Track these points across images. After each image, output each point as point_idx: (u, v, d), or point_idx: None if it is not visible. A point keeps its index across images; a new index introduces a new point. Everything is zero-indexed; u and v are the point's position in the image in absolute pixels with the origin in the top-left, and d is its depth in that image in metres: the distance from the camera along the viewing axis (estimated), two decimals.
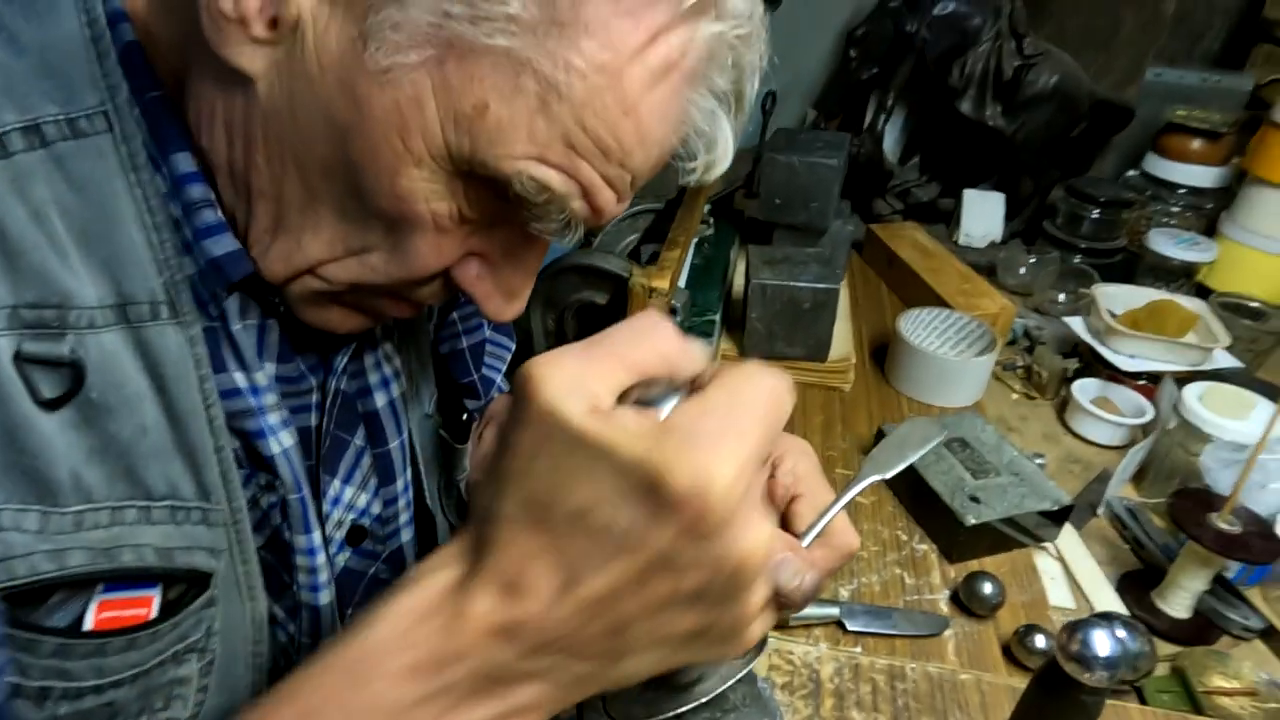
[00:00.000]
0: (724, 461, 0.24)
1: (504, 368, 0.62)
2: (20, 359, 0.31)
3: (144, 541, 0.35)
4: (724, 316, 0.93)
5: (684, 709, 0.37)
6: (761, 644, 0.39)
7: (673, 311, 0.74)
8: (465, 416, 0.56)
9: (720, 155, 0.38)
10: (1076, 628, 0.36)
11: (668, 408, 0.27)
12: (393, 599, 0.28)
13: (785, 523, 0.43)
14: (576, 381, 0.25)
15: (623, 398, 0.27)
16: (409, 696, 0.27)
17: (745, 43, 0.34)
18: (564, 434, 0.24)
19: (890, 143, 1.24)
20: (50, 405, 0.32)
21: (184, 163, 0.36)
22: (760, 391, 0.26)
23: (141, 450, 0.35)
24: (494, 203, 0.34)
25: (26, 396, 0.32)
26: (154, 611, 0.36)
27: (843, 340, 0.91)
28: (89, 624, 0.35)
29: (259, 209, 0.36)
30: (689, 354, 0.28)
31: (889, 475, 0.43)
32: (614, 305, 0.88)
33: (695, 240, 1.01)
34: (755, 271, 0.84)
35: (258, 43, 0.31)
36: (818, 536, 0.39)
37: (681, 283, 0.90)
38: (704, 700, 0.38)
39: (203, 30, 0.31)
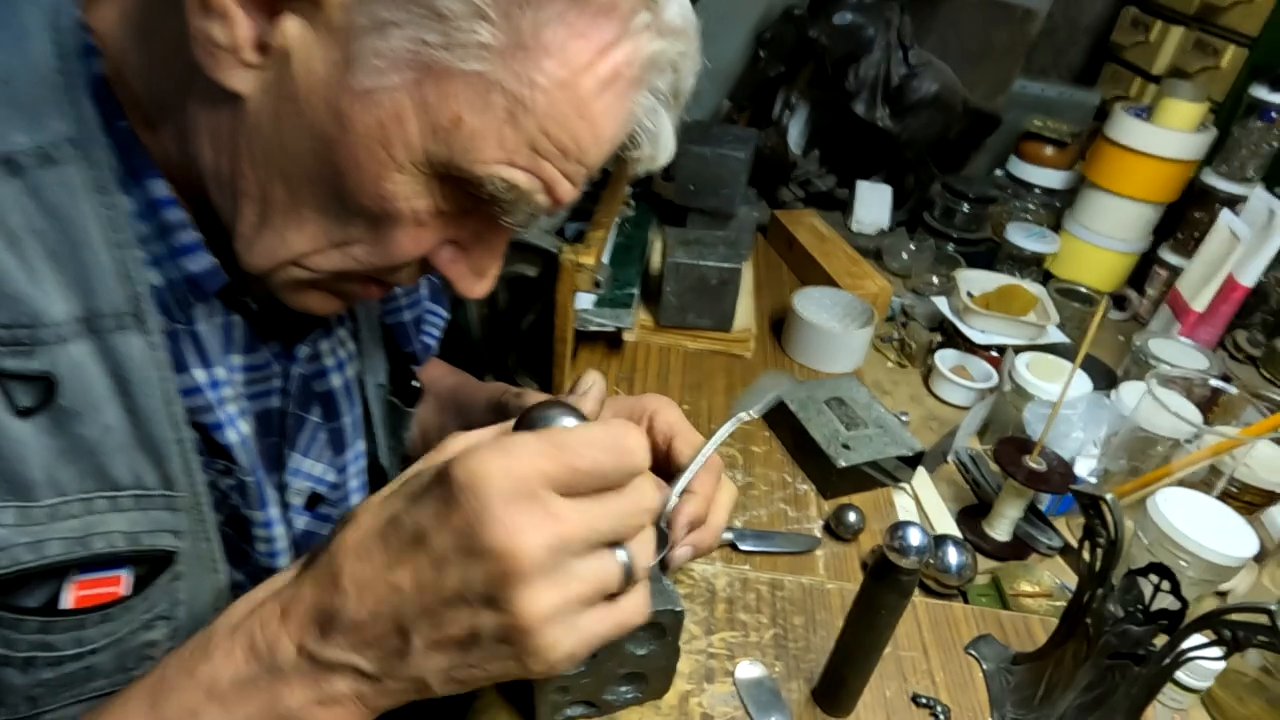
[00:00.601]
0: (495, 460, 0.30)
1: (439, 334, 0.67)
2: None
3: (113, 528, 0.39)
4: (642, 290, 1.03)
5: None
6: (663, 541, 0.51)
7: (596, 284, 0.84)
8: (413, 382, 0.61)
9: (664, 146, 0.42)
10: (897, 528, 0.49)
11: (559, 423, 0.36)
12: (247, 595, 0.34)
13: (668, 460, 0.55)
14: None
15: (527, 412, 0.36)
16: (236, 675, 0.33)
17: (682, 53, 0.38)
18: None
19: (794, 136, 1.37)
20: (24, 413, 0.35)
21: (159, 188, 0.38)
22: (585, 439, 0.32)
23: (108, 447, 0.38)
24: (466, 198, 0.37)
25: (3, 407, 0.34)
26: (125, 589, 0.40)
27: (745, 313, 1.03)
28: (68, 603, 0.38)
29: (245, 209, 0.38)
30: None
31: (753, 414, 0.55)
32: (543, 278, 0.97)
33: (618, 220, 1.11)
34: (671, 251, 0.95)
35: (248, 66, 0.34)
36: (697, 471, 0.51)
37: (605, 259, 1.00)
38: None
39: (188, 56, 0.33)
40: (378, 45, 0.32)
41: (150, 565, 0.41)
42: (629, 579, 0.33)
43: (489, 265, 0.43)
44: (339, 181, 0.36)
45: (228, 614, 0.36)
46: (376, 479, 0.58)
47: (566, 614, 0.31)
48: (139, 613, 0.41)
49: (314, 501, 0.52)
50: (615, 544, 0.33)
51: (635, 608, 0.34)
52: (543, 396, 0.61)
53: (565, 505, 0.31)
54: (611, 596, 0.33)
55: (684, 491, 0.50)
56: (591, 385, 0.46)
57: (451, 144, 0.35)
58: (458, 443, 0.35)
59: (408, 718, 0.66)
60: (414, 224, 0.38)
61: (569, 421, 0.36)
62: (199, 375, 0.42)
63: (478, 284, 0.43)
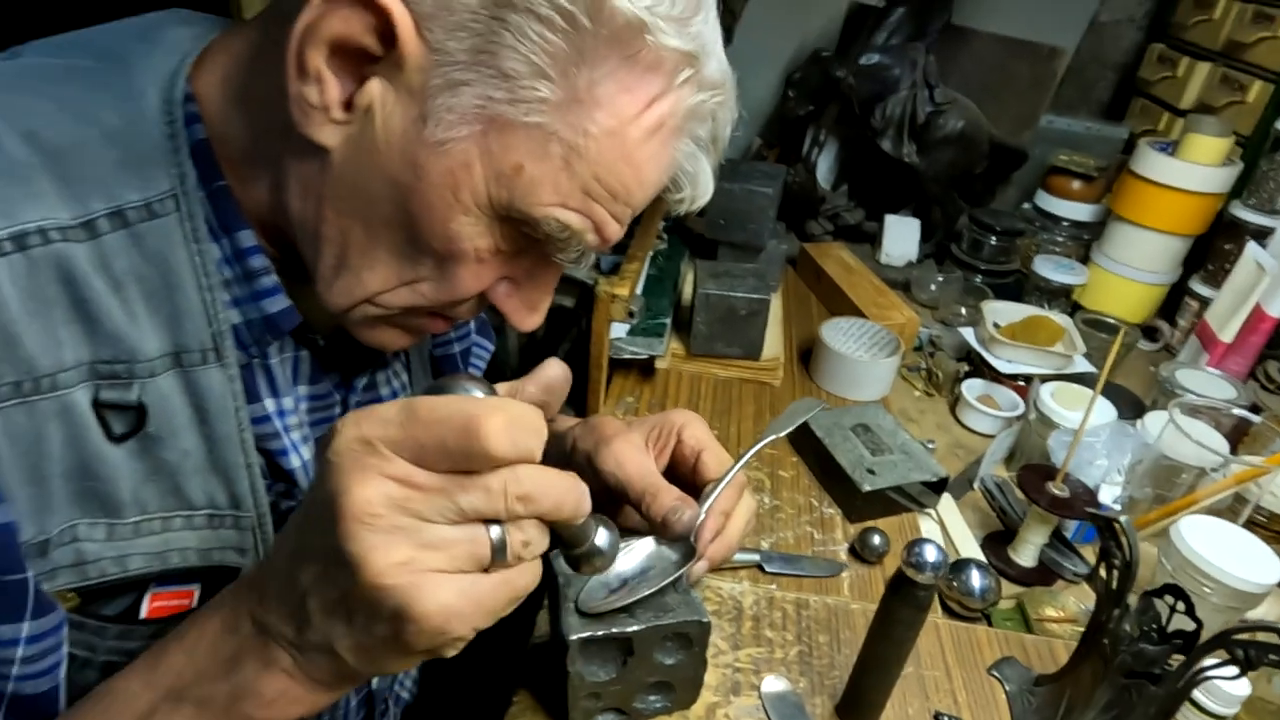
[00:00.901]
0: (349, 430, 0.31)
1: (484, 365, 0.73)
2: (97, 404, 0.38)
3: (188, 545, 0.42)
4: (674, 320, 1.07)
5: (631, 600, 0.51)
6: (690, 554, 0.54)
7: (630, 314, 0.88)
8: None
9: (703, 189, 0.45)
10: (914, 544, 0.51)
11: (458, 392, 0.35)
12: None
13: (695, 473, 0.58)
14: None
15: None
16: (214, 641, 0.36)
17: (720, 102, 0.42)
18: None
19: (823, 171, 1.41)
20: (119, 439, 0.39)
21: (248, 238, 0.42)
22: (445, 416, 0.31)
23: (186, 469, 0.41)
24: (523, 238, 0.41)
25: (100, 434, 0.38)
26: (195, 602, 0.44)
27: (774, 342, 1.07)
28: (144, 613, 0.42)
29: (326, 252, 0.41)
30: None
31: (781, 435, 0.58)
32: (579, 308, 1.02)
33: (651, 253, 1.16)
34: (701, 282, 0.99)
35: (336, 123, 0.37)
36: (729, 481, 0.54)
37: (639, 290, 1.04)
38: (647, 594, 0.52)
39: (283, 115, 0.37)
40: (450, 102, 0.36)
41: (217, 579, 0.44)
42: (499, 556, 0.32)
43: (540, 300, 0.46)
44: (412, 224, 0.39)
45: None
46: None
47: (425, 573, 0.30)
48: None
49: None
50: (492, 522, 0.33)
51: (525, 580, 0.34)
52: (572, 421, 0.64)
53: (410, 469, 0.31)
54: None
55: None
56: (543, 369, 0.43)
57: (513, 189, 0.38)
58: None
59: None
60: (475, 262, 0.41)
61: (475, 393, 0.35)
62: (269, 404, 0.46)
63: (530, 317, 0.46)
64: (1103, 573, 0.56)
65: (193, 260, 0.40)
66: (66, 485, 0.38)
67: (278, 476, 0.48)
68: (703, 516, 0.54)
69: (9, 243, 0.35)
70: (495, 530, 0.33)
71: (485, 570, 0.33)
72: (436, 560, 0.31)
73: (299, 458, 0.48)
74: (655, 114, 0.38)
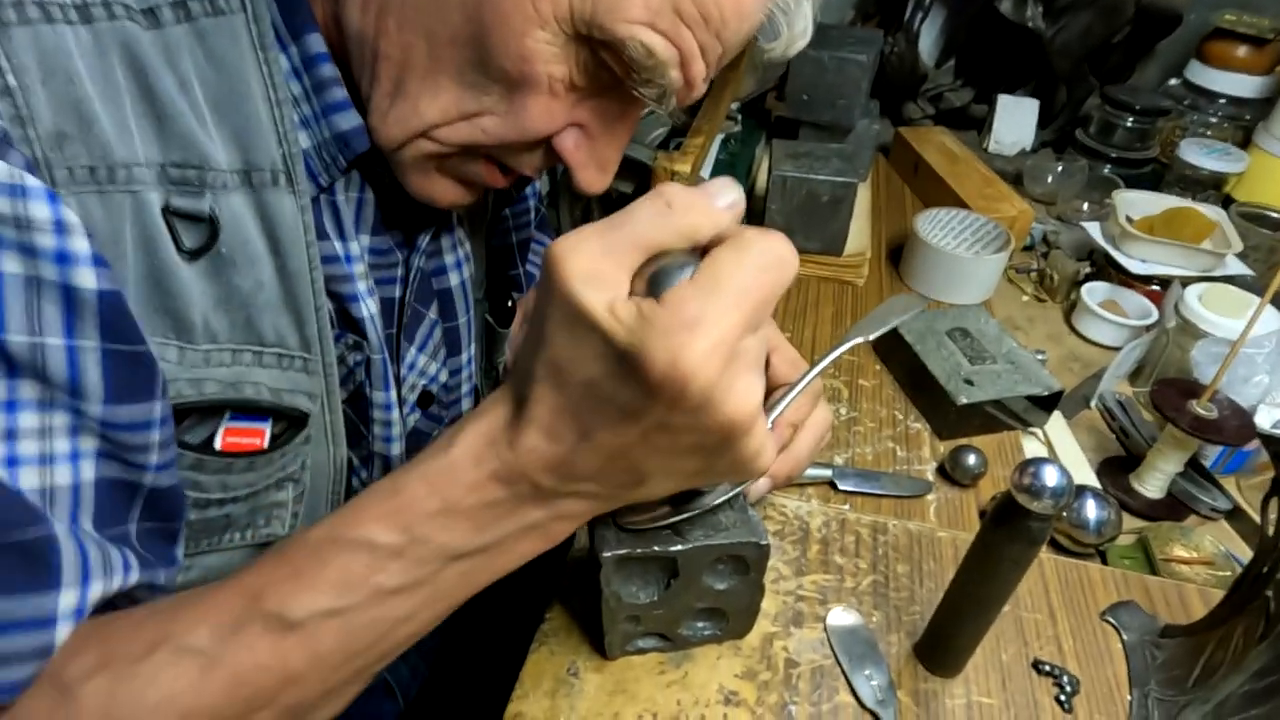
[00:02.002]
0: (697, 345, 0.27)
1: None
2: (168, 212, 0.35)
3: (259, 380, 0.40)
4: (747, 210, 0.95)
5: (679, 518, 0.44)
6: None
7: None
8: (510, 304, 0.62)
9: (800, 31, 0.41)
10: (1029, 464, 0.41)
11: (681, 277, 0.29)
12: (462, 429, 0.33)
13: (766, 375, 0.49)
14: (593, 269, 0.28)
15: (646, 265, 0.30)
16: (480, 500, 0.32)
17: None
18: (578, 318, 0.28)
19: (926, 44, 1.22)
20: (190, 255, 0.37)
21: (316, 43, 0.39)
22: (749, 267, 0.28)
23: (258, 302, 0.39)
24: (601, 71, 0.38)
25: (171, 246, 0.36)
26: (265, 442, 0.42)
27: (859, 236, 0.94)
28: (218, 445, 0.41)
29: (383, 74, 0.39)
30: (707, 218, 0.30)
31: (871, 338, 0.48)
32: (639, 194, 0.92)
33: (722, 137, 1.03)
34: (777, 163, 0.87)
35: None
36: (804, 389, 0.45)
37: (706, 174, 0.93)
38: (696, 513, 0.44)
39: None
40: None
41: (287, 424, 0.43)
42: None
43: (611, 157, 0.43)
44: (482, 39, 0.36)
45: (448, 451, 0.33)
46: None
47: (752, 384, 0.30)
48: (275, 469, 0.43)
49: (426, 401, 0.54)
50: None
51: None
52: None
53: (747, 339, 0.29)
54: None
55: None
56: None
57: (597, 1, 0.35)
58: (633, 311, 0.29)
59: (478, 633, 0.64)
60: (548, 93, 0.38)
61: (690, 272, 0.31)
62: (336, 246, 0.43)
63: (598, 177, 0.43)
64: (1272, 512, 0.45)
65: (260, 69, 0.37)
66: (139, 296, 0.36)
67: (347, 324, 0.46)
68: (769, 426, 0.45)
69: (74, 10, 0.32)
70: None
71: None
72: (751, 365, 0.30)
73: (366, 308, 0.45)
74: None
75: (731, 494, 0.44)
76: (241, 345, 0.39)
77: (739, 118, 1.08)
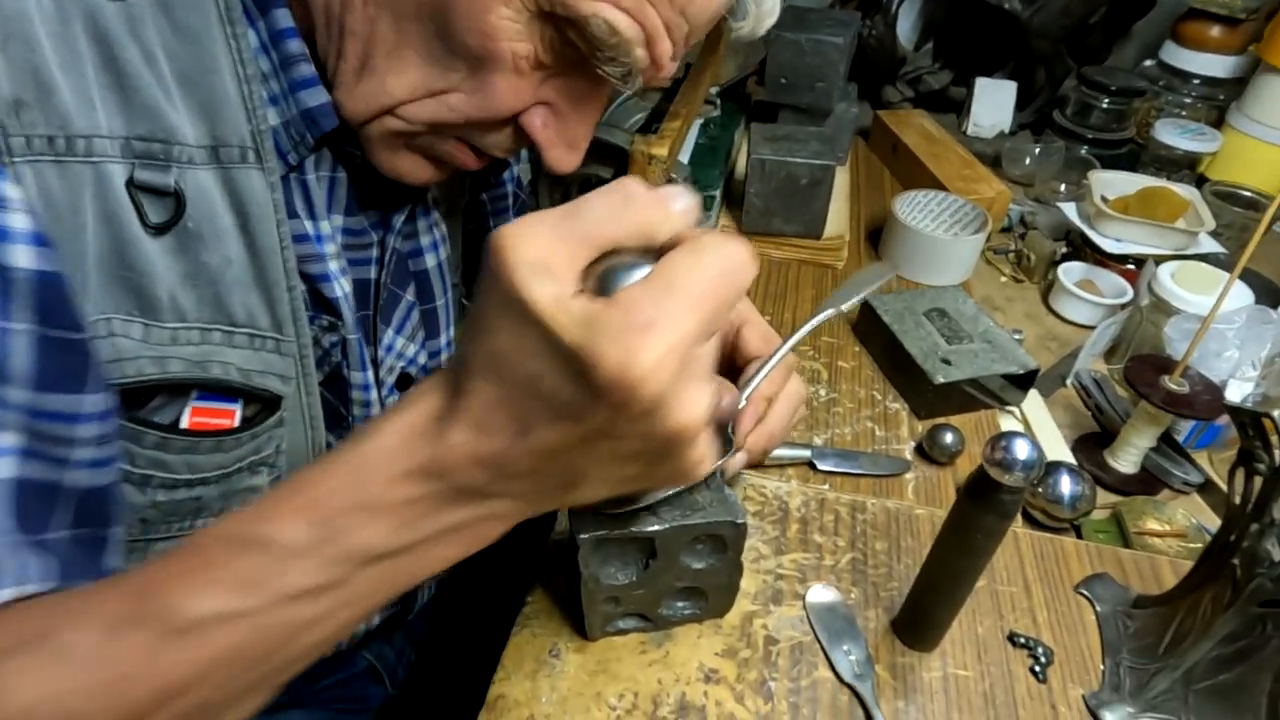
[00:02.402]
0: (650, 349, 0.25)
1: None
2: (132, 185, 0.35)
3: (228, 360, 0.40)
4: (725, 193, 0.95)
5: (652, 500, 0.44)
6: (726, 445, 0.45)
7: (670, 181, 0.77)
8: None
9: (768, 10, 0.41)
10: (1000, 438, 0.41)
11: (633, 277, 0.28)
12: (388, 418, 0.30)
13: (736, 351, 0.49)
14: (542, 258, 0.26)
15: (596, 262, 0.28)
16: (401, 496, 0.29)
17: None
18: (522, 310, 0.25)
19: (904, 27, 1.22)
20: (156, 230, 0.36)
21: (284, 19, 0.38)
22: (706, 270, 0.26)
23: (227, 280, 0.39)
24: (566, 48, 0.37)
25: (135, 219, 0.35)
26: (236, 422, 0.41)
27: (838, 219, 0.94)
28: (184, 424, 0.40)
29: (349, 49, 0.38)
30: (666, 219, 0.28)
31: (844, 308, 0.48)
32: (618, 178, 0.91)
33: (701, 121, 1.03)
34: (756, 147, 0.86)
35: None
36: (774, 365, 0.45)
37: (685, 158, 0.92)
38: (669, 493, 0.44)
39: None
40: None
41: (259, 406, 0.42)
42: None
43: (580, 135, 0.43)
44: (447, 14, 0.36)
45: (372, 441, 0.31)
46: None
47: (701, 390, 0.28)
48: (246, 451, 0.42)
49: (405, 383, 0.53)
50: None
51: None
52: None
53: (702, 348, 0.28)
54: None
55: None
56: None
57: None
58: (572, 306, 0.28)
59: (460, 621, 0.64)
60: (513, 71, 0.38)
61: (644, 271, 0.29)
62: (307, 225, 0.43)
63: (567, 154, 0.43)
64: (1239, 482, 0.46)
65: (229, 44, 0.37)
66: (101, 271, 0.35)
67: (321, 306, 0.45)
68: (742, 402, 0.45)
69: None
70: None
71: None
72: (701, 373, 0.28)
73: (340, 288, 0.45)
74: None
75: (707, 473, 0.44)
76: (210, 324, 0.39)
77: (718, 102, 1.08)
